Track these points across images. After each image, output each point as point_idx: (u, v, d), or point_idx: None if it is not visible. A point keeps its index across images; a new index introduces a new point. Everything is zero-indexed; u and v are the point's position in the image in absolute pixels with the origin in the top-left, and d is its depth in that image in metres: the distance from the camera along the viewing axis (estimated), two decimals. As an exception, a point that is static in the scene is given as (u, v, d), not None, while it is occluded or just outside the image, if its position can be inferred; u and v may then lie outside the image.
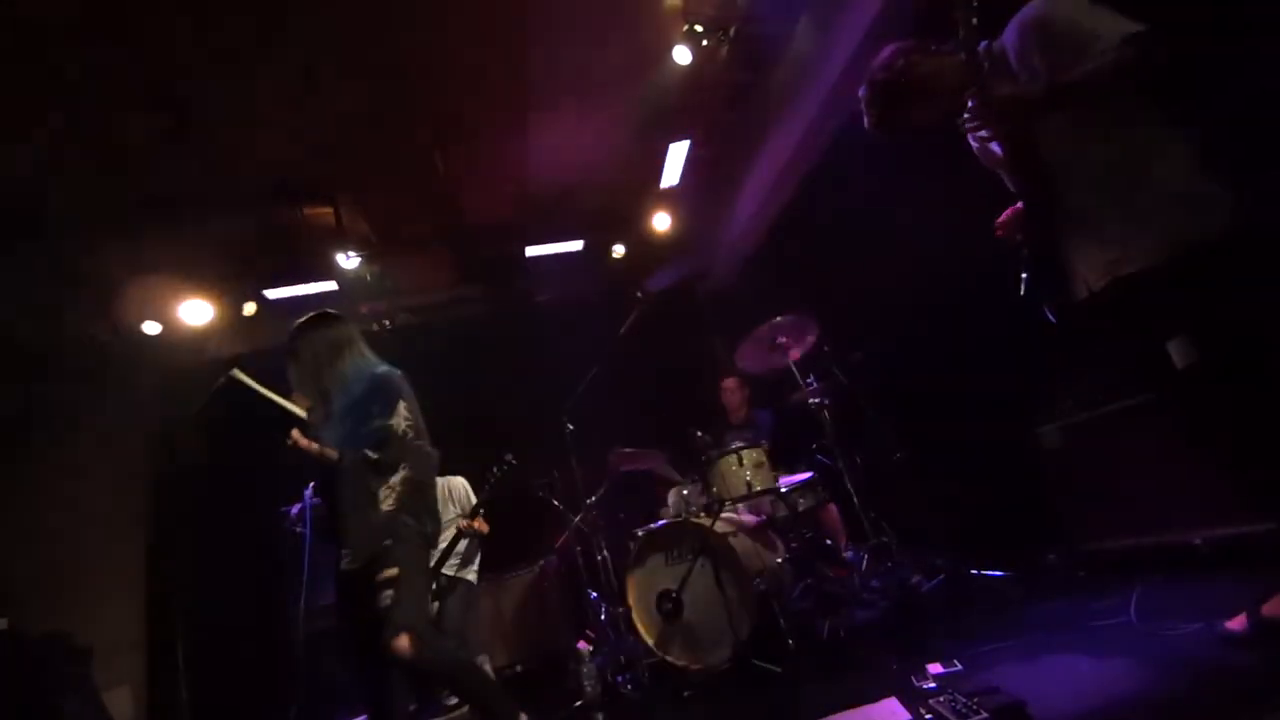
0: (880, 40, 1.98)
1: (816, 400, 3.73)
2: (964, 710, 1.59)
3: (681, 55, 4.09)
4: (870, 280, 4.40)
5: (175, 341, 5.19)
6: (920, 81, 1.86)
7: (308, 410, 2.41)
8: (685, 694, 2.92)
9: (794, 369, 3.80)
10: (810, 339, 3.90)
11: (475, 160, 4.99)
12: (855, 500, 3.56)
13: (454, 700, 3.67)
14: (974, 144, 1.99)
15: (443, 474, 3.54)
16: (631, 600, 3.38)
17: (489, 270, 6.02)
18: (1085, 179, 1.69)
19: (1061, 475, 2.94)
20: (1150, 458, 2.51)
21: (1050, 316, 1.82)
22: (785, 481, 3.80)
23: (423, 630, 2.20)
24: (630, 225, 6.02)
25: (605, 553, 3.62)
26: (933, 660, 2.12)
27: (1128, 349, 1.82)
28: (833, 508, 4.17)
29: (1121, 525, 2.67)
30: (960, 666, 2.04)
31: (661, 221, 5.89)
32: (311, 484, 4.59)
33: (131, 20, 3.27)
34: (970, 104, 1.70)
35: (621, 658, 3.41)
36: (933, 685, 1.95)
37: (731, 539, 3.17)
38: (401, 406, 2.42)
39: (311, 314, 2.64)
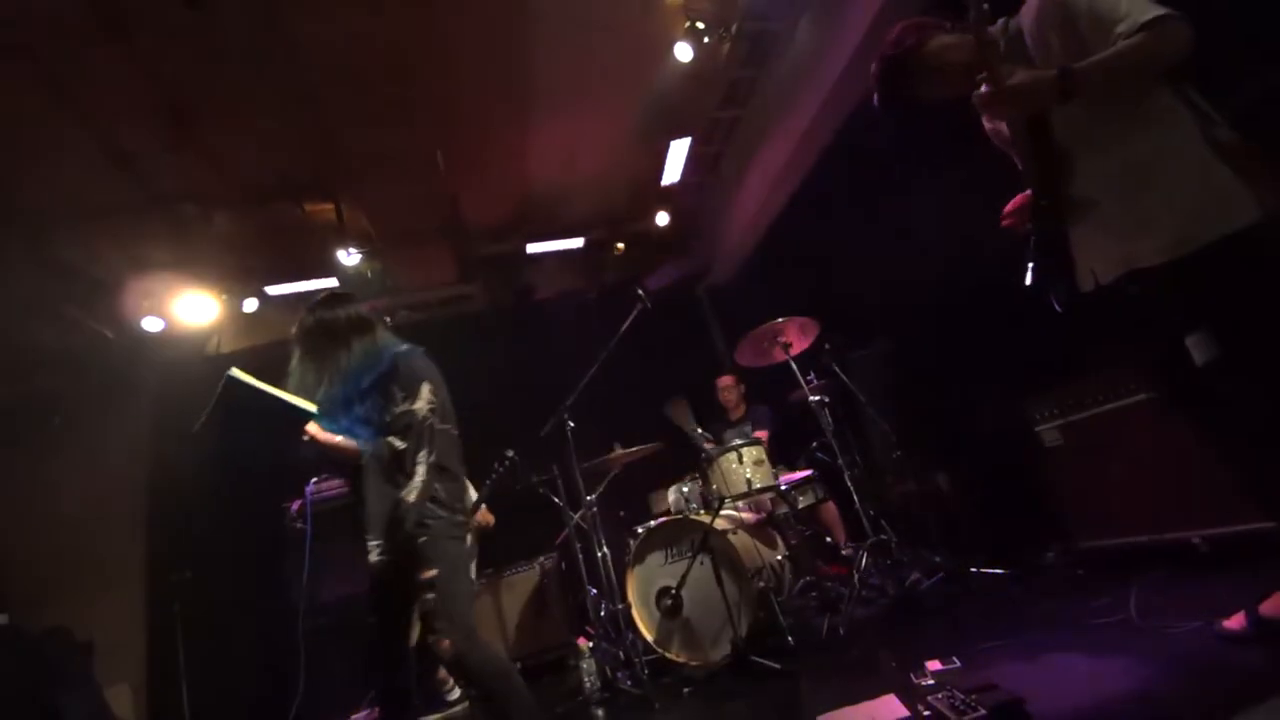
0: (882, 38, 1.94)
1: (816, 398, 3.74)
2: (962, 707, 1.59)
3: (683, 52, 4.08)
4: (870, 278, 4.40)
5: (177, 338, 5.19)
6: (930, 58, 1.81)
7: (321, 404, 2.27)
8: (685, 690, 2.93)
9: (794, 366, 3.81)
10: (810, 337, 3.90)
11: (476, 157, 4.99)
12: (855, 498, 3.56)
13: (454, 696, 3.68)
14: (987, 124, 1.93)
15: None
16: (631, 597, 3.39)
17: (489, 267, 6.02)
18: (1100, 169, 1.64)
19: (1060, 473, 2.94)
20: (1149, 456, 2.51)
21: (1056, 306, 1.78)
22: (785, 479, 3.81)
23: (467, 632, 2.14)
24: (630, 223, 6.02)
25: (605, 549, 3.62)
26: (931, 657, 2.12)
27: (1138, 343, 1.75)
28: (832, 505, 4.18)
29: (1120, 524, 2.67)
30: (959, 663, 2.05)
31: (662, 219, 5.89)
32: (312, 480, 4.62)
33: (133, 20, 3.27)
34: (982, 89, 1.63)
35: (621, 654, 3.42)
36: (931, 682, 1.95)
37: (731, 536, 3.18)
38: (425, 389, 2.28)
39: (324, 293, 2.52)
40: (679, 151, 5.34)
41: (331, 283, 5.28)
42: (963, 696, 1.64)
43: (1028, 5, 1.72)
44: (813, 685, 2.46)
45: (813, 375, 3.92)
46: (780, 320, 3.73)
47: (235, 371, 2.17)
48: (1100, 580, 2.51)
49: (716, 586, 3.01)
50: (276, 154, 4.39)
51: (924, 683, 1.96)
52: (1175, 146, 1.55)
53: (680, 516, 3.39)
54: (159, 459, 5.35)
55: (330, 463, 2.48)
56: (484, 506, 3.87)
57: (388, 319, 5.62)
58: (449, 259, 5.93)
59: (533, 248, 5.91)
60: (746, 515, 3.71)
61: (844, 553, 4.02)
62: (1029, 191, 1.84)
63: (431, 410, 2.27)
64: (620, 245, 6.10)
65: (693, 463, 3.87)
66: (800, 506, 3.77)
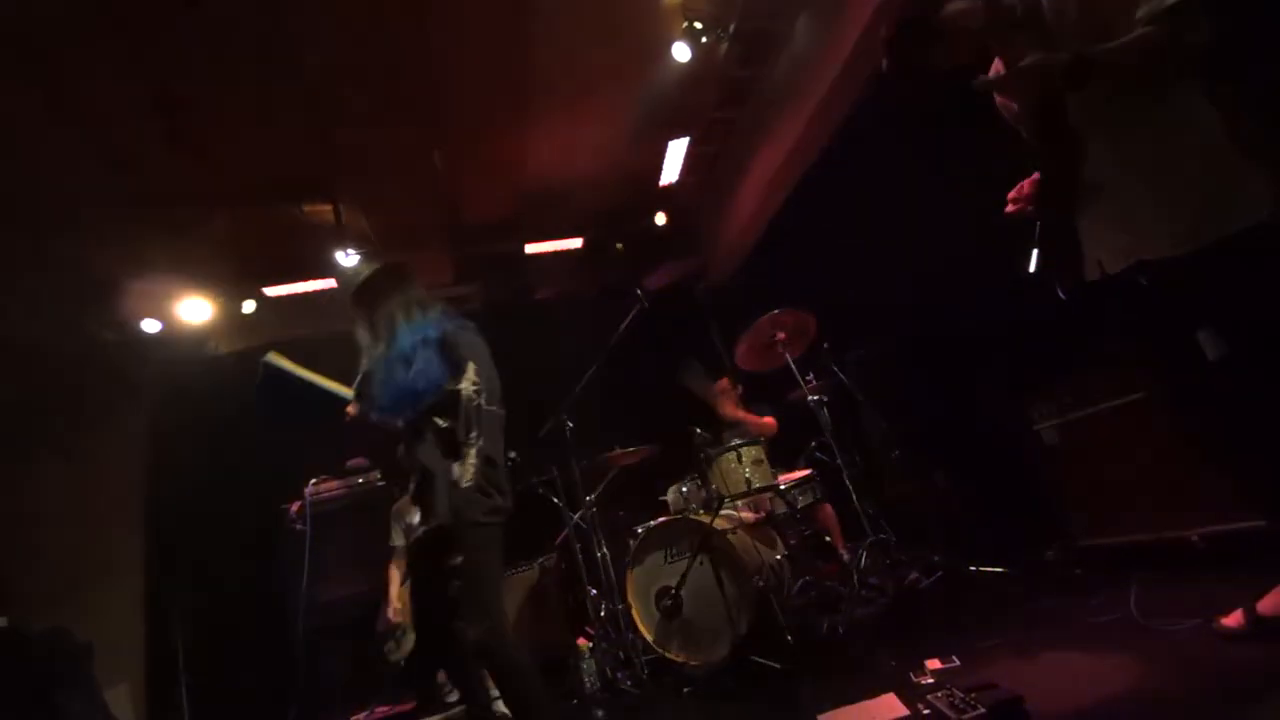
0: (879, 37, 1.92)
1: (815, 398, 3.74)
2: (962, 705, 1.60)
3: (680, 52, 4.08)
4: (869, 278, 4.40)
5: (175, 339, 5.19)
6: (944, 22, 1.74)
7: (357, 384, 2.30)
8: (684, 690, 2.93)
9: (793, 367, 3.81)
10: (809, 337, 3.90)
11: (474, 158, 4.99)
12: (854, 497, 3.56)
13: (454, 698, 3.68)
14: (999, 98, 1.88)
15: None
16: (631, 597, 3.38)
17: (488, 267, 6.02)
18: (1112, 155, 1.59)
19: (1059, 472, 2.95)
20: (1147, 455, 2.52)
21: (1061, 294, 1.75)
22: (784, 479, 3.81)
23: (494, 621, 2.12)
24: (629, 223, 6.02)
25: (604, 549, 3.62)
26: (931, 656, 2.12)
27: (1143, 336, 1.73)
28: (830, 505, 4.18)
29: (1119, 522, 2.68)
30: (958, 662, 2.05)
31: (660, 219, 5.88)
32: (312, 481, 4.62)
33: (132, 20, 3.26)
34: (994, 70, 1.58)
35: (621, 654, 3.42)
36: (931, 681, 1.96)
37: (730, 536, 3.18)
38: (470, 369, 2.25)
39: (380, 266, 2.53)
40: (677, 151, 5.34)
41: (330, 283, 5.28)
42: (962, 695, 1.64)
43: None
44: (812, 685, 2.46)
45: (811, 375, 3.92)
46: (778, 319, 3.73)
47: (272, 356, 2.22)
48: (1099, 578, 2.51)
49: (716, 586, 3.01)
50: (275, 154, 4.38)
51: (923, 681, 1.97)
52: (1193, 136, 1.51)
53: (680, 516, 3.39)
54: (158, 459, 5.35)
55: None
56: None
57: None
58: (447, 259, 5.93)
59: (531, 248, 5.91)
60: (746, 515, 3.71)
61: (843, 553, 4.02)
62: (1035, 176, 1.80)
63: (477, 390, 2.24)
64: (619, 245, 6.09)
65: (692, 463, 3.87)
66: (799, 506, 3.77)
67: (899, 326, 4.14)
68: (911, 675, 2.03)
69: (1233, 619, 1.69)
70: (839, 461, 3.60)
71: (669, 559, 3.30)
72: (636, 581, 3.39)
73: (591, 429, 3.85)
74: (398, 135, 4.51)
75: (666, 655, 3.20)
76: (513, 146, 4.99)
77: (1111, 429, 2.66)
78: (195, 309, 5.02)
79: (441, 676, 3.69)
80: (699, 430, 3.64)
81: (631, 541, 3.50)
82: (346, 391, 2.27)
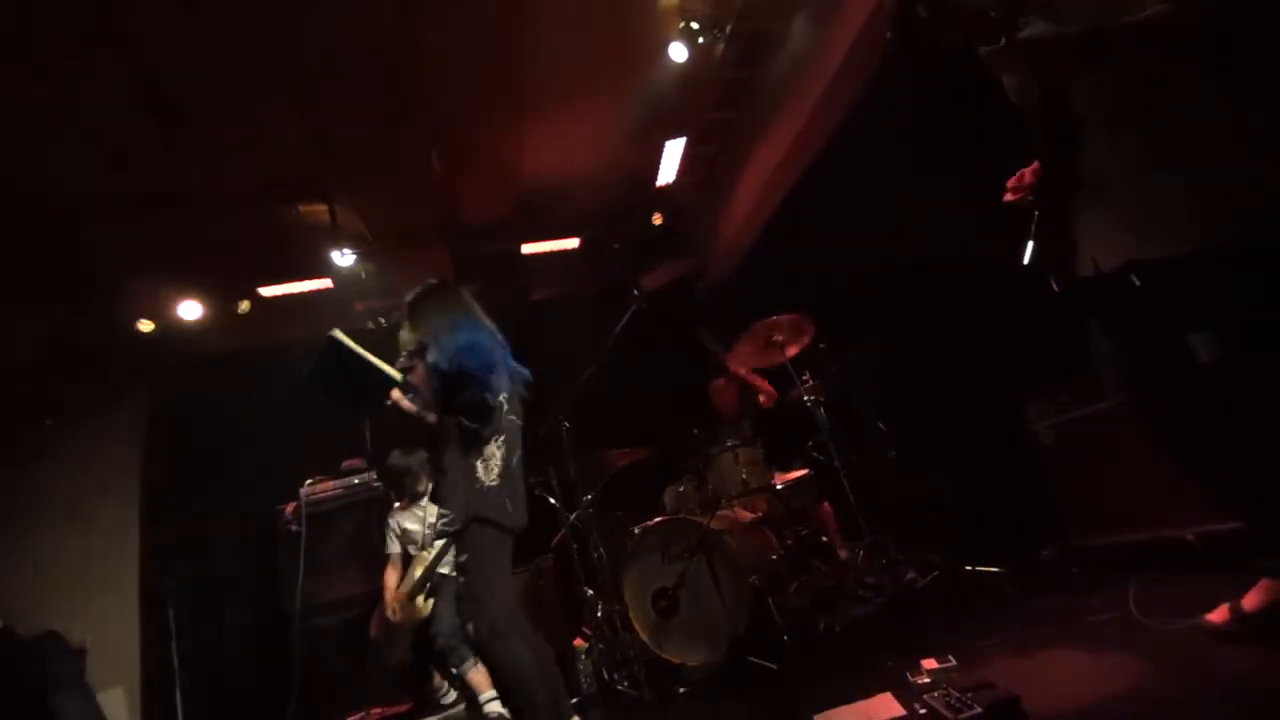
0: (877, 37, 1.92)
1: (812, 398, 3.74)
2: (958, 705, 1.60)
3: (677, 52, 4.08)
4: (866, 278, 4.40)
5: (170, 339, 5.17)
6: None
7: (404, 372, 2.44)
8: (681, 691, 2.93)
9: (790, 367, 3.81)
10: (806, 337, 3.90)
11: (471, 158, 4.99)
12: (850, 497, 3.56)
13: (450, 699, 3.68)
14: (1006, 79, 1.81)
15: None
16: (627, 598, 3.38)
17: (485, 268, 6.00)
18: (1115, 146, 1.53)
19: (1056, 471, 2.95)
20: (1144, 453, 2.51)
21: (1055, 286, 1.72)
22: (780, 479, 3.81)
23: (493, 621, 2.16)
24: (626, 223, 6.01)
25: (601, 550, 3.62)
26: (928, 656, 2.12)
27: (1133, 335, 1.66)
28: (827, 505, 4.18)
29: (1115, 521, 2.68)
30: (955, 662, 2.05)
31: (657, 219, 5.88)
32: (307, 482, 4.61)
33: (128, 19, 3.25)
34: (1000, 44, 1.51)
35: (617, 655, 3.41)
36: (927, 680, 1.96)
37: (727, 536, 3.18)
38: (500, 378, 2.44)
39: (429, 282, 2.73)
40: (674, 151, 5.34)
41: (326, 284, 5.27)
42: (959, 695, 1.64)
43: None
44: (809, 685, 2.46)
45: (808, 375, 3.92)
46: (776, 319, 3.73)
47: (337, 333, 2.35)
48: (1096, 577, 2.51)
49: (713, 587, 3.01)
50: (271, 154, 4.37)
51: (920, 681, 1.97)
52: (1199, 129, 1.43)
53: (676, 517, 3.39)
54: (153, 460, 5.32)
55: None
56: None
57: (382, 320, 5.65)
58: (444, 259, 5.91)
59: (528, 248, 5.90)
60: (743, 515, 3.71)
61: (840, 552, 4.02)
62: (1036, 165, 1.75)
63: (505, 398, 2.44)
64: (616, 245, 6.09)
65: (689, 463, 3.87)
66: (796, 506, 3.77)
67: (896, 326, 4.14)
68: (908, 675, 2.03)
69: (1218, 615, 1.69)
70: (836, 461, 3.60)
71: (666, 559, 3.30)
72: (633, 582, 3.39)
73: (589, 429, 3.85)
74: (394, 135, 4.49)
75: (663, 656, 3.20)
76: (510, 147, 4.98)
77: (1108, 428, 2.66)
78: (189, 309, 5.00)
79: (437, 679, 3.68)
80: (696, 431, 3.64)
81: (628, 542, 3.49)
82: (397, 375, 2.41)
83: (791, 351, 3.86)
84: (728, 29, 4.11)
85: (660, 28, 4.09)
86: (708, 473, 3.46)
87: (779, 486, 3.67)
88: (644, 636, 3.28)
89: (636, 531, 3.48)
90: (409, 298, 2.65)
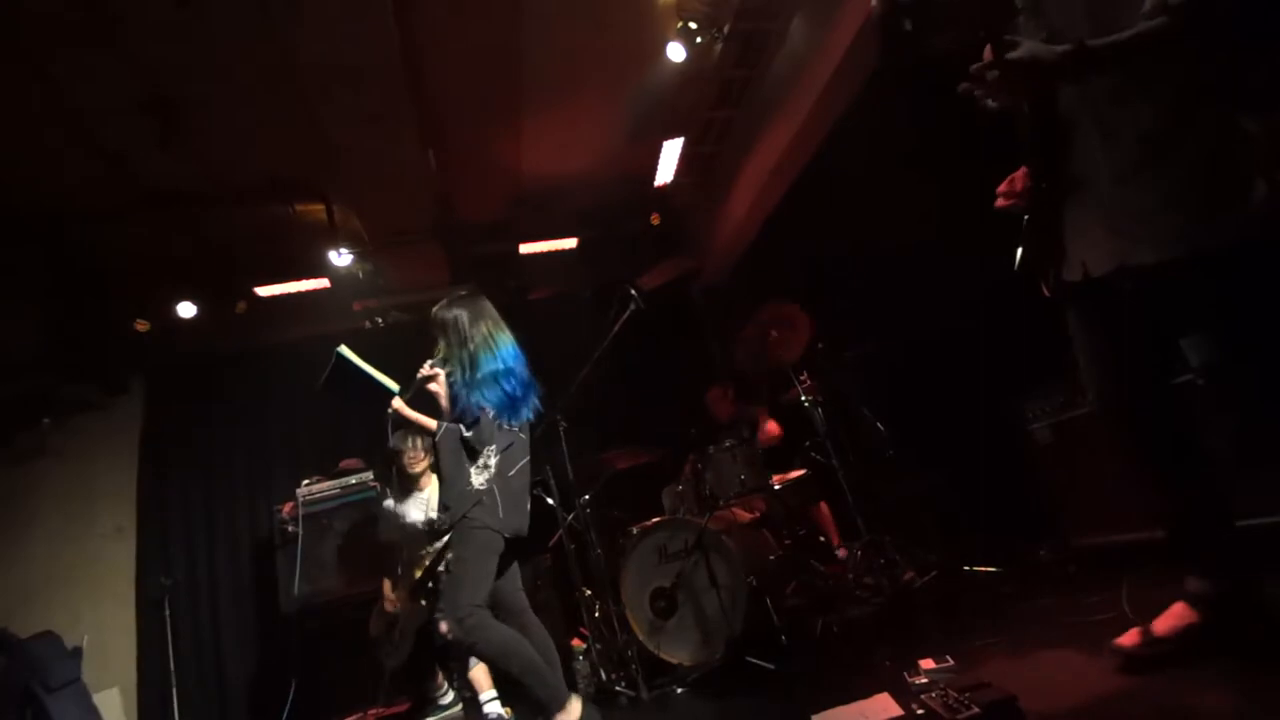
0: (874, 37, 1.91)
1: (809, 398, 3.74)
2: (956, 705, 1.59)
3: (675, 52, 4.08)
4: (864, 278, 4.40)
5: (167, 340, 5.16)
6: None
7: (426, 380, 2.55)
8: (679, 691, 2.92)
9: (787, 367, 3.80)
10: (803, 337, 3.90)
11: (468, 157, 4.98)
12: (848, 497, 3.57)
13: (448, 699, 3.67)
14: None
15: None
16: (625, 597, 3.38)
17: (482, 268, 5.99)
18: (1104, 150, 1.51)
19: (1053, 471, 2.95)
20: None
21: (1046, 292, 1.71)
22: (778, 479, 3.81)
23: (461, 618, 2.19)
24: (624, 223, 6.01)
25: (599, 550, 3.61)
26: (925, 656, 2.12)
27: (1123, 340, 1.62)
28: (825, 505, 4.18)
29: (1112, 521, 2.68)
30: (952, 662, 2.05)
31: (655, 219, 5.88)
32: (304, 482, 4.60)
33: (122, 18, 3.24)
34: (986, 58, 1.48)
35: (615, 655, 3.41)
36: (925, 680, 1.95)
37: (725, 536, 3.17)
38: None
39: (461, 291, 2.86)
40: (672, 151, 5.33)
41: (323, 284, 5.26)
42: (956, 695, 1.64)
43: None
44: (806, 685, 2.46)
45: (805, 375, 3.92)
46: (774, 319, 3.73)
47: (343, 349, 2.53)
48: (1093, 578, 2.51)
49: (710, 587, 3.01)
50: (267, 153, 4.36)
51: (918, 681, 1.97)
52: (1190, 135, 1.41)
53: (674, 516, 3.38)
54: (150, 460, 5.31)
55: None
56: None
57: (379, 320, 5.64)
58: (441, 259, 5.89)
59: (526, 248, 5.89)
60: (740, 515, 3.71)
61: (838, 552, 4.02)
62: (1024, 169, 1.73)
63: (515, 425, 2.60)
64: (613, 245, 6.08)
65: (687, 463, 3.86)
66: (794, 506, 3.77)
67: (893, 326, 4.14)
68: (906, 675, 2.02)
69: (1129, 639, 1.64)
70: (834, 461, 3.60)
71: (663, 559, 3.29)
72: (631, 582, 3.39)
73: (586, 429, 3.84)
74: (392, 135, 4.48)
75: (661, 656, 3.20)
76: (507, 146, 4.98)
77: (1105, 428, 2.66)
78: (185, 309, 4.99)
79: (439, 679, 3.68)
80: (693, 430, 3.64)
81: (626, 542, 3.49)
82: (395, 386, 2.60)
83: (789, 352, 3.86)
84: (725, 28, 4.11)
85: (658, 28, 4.09)
86: (705, 472, 3.46)
87: (777, 486, 3.67)
88: (641, 636, 3.28)
89: (634, 531, 3.48)
90: (437, 309, 2.72)
